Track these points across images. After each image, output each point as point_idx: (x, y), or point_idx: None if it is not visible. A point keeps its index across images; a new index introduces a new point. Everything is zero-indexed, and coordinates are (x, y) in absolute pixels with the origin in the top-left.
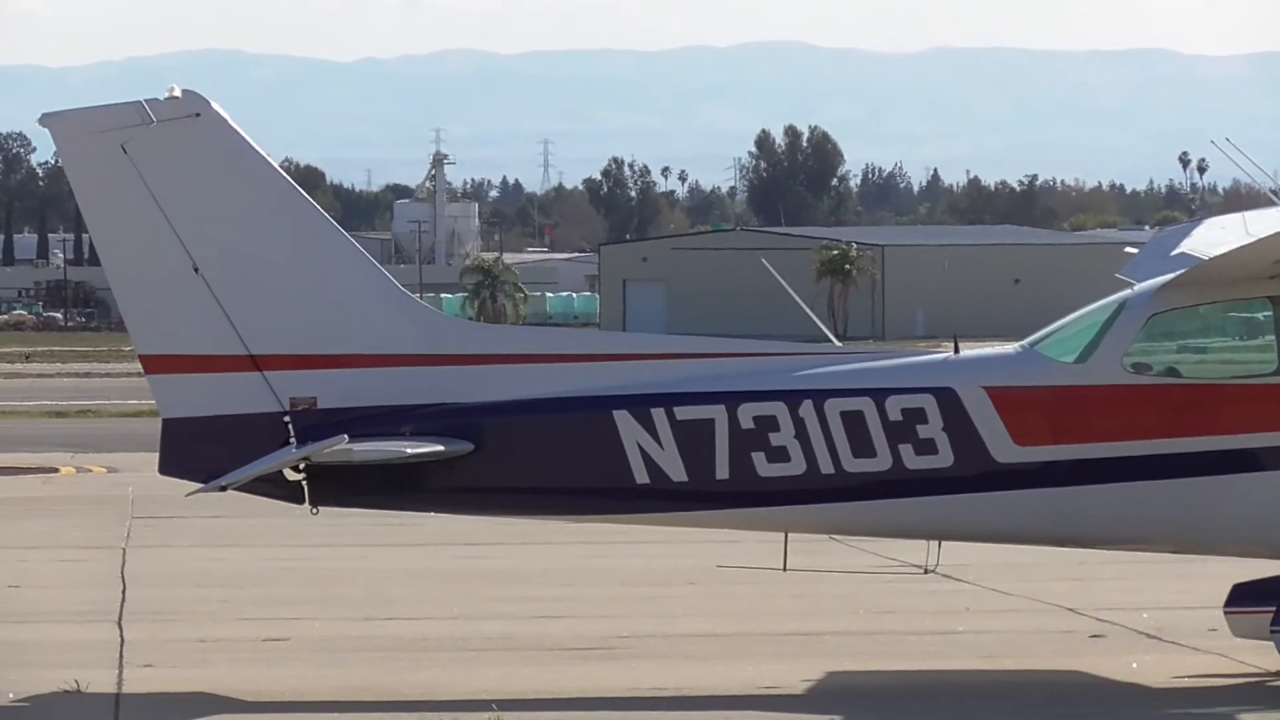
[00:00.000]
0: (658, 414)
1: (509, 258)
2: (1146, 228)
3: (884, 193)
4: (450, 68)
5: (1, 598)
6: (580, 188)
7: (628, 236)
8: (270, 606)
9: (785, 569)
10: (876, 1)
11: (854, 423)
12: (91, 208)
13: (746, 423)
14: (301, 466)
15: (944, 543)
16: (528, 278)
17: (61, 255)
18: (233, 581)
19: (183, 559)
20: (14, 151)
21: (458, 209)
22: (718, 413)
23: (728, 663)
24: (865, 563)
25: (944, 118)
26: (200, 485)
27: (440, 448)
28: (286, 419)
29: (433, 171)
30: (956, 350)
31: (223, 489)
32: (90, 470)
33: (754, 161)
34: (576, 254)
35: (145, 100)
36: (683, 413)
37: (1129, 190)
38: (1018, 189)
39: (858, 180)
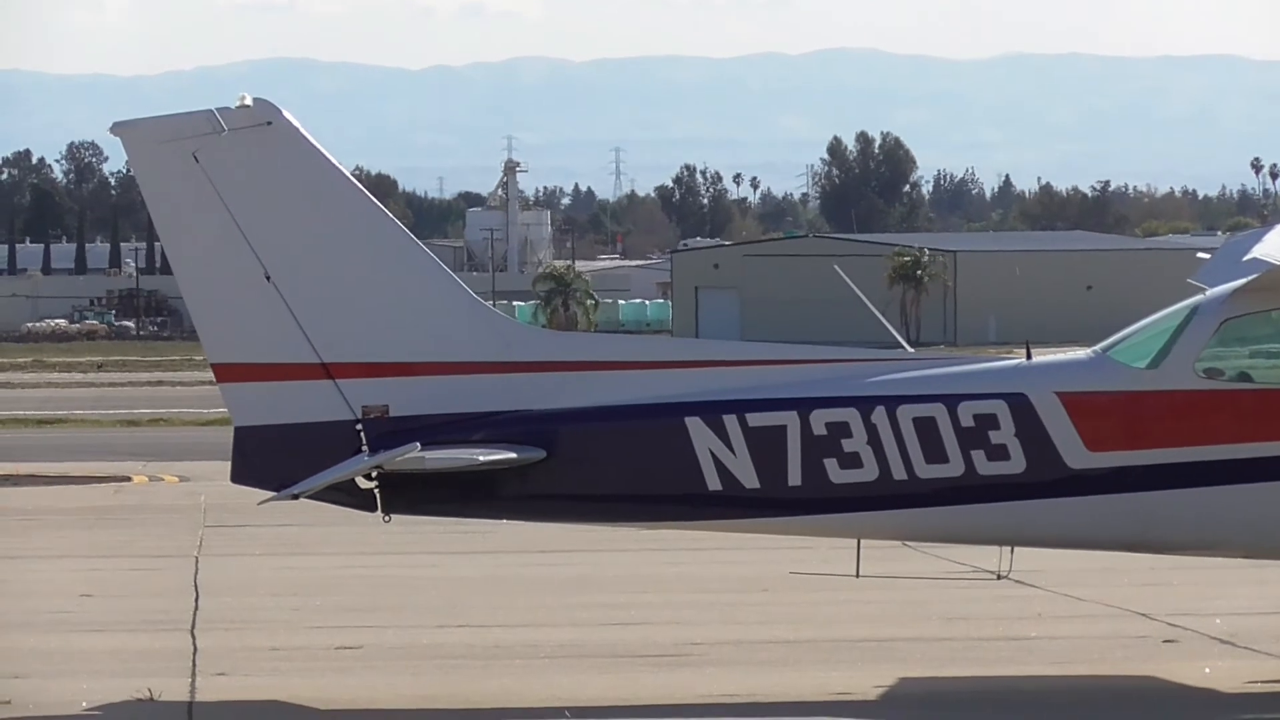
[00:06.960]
0: (730, 421)
1: (581, 265)
2: (1219, 233)
3: (956, 199)
4: (521, 75)
5: (75, 606)
6: (652, 195)
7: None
8: (342, 615)
9: (858, 575)
10: (949, 8)
11: (926, 429)
12: (163, 216)
13: (819, 429)
14: (374, 475)
15: (1016, 548)
16: (600, 285)
17: (133, 264)
18: (305, 590)
19: (255, 567)
20: (86, 160)
21: (530, 216)
22: (790, 419)
23: (801, 669)
24: (937, 569)
25: (1016, 124)
26: (272, 494)
27: (513, 455)
28: (359, 427)
29: (505, 179)
30: (1029, 356)
31: (295, 497)
32: (162, 479)
33: (826, 168)
34: (649, 261)
35: (217, 109)
36: (755, 419)
37: (1201, 196)
38: (1089, 195)
39: (930, 187)
